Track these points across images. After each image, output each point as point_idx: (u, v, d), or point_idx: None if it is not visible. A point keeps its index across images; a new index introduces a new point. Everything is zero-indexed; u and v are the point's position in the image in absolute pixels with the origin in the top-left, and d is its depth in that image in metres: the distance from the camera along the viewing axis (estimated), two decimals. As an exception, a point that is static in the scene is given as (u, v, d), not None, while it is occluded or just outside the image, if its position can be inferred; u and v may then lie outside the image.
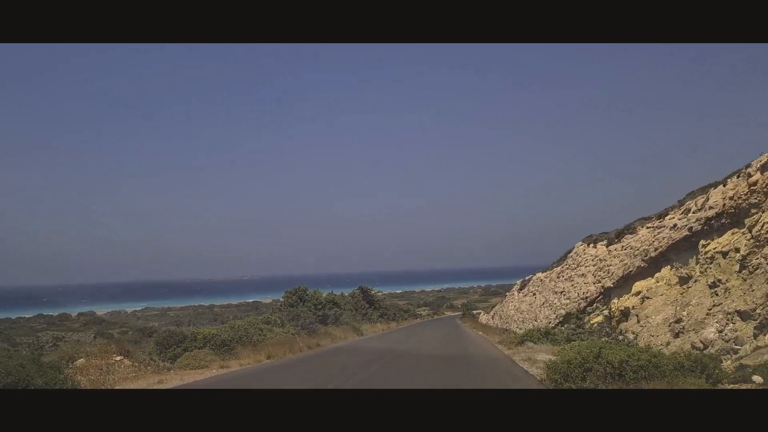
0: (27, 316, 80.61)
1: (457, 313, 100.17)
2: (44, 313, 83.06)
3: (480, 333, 27.69)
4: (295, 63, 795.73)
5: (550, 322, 23.94)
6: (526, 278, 36.76)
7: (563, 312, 22.06)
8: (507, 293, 42.38)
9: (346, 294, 33.36)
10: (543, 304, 27.02)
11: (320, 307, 23.12)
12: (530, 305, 30.47)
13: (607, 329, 11.48)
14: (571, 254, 25.24)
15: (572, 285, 22.21)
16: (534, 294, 30.67)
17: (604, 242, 21.49)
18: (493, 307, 52.03)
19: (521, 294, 34.90)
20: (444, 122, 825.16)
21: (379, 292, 36.71)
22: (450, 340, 22.10)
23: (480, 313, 75.63)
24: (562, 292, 23.57)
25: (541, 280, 30.89)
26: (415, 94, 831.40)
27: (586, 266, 21.62)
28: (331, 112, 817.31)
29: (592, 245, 22.67)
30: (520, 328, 30.87)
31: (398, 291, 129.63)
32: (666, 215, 17.22)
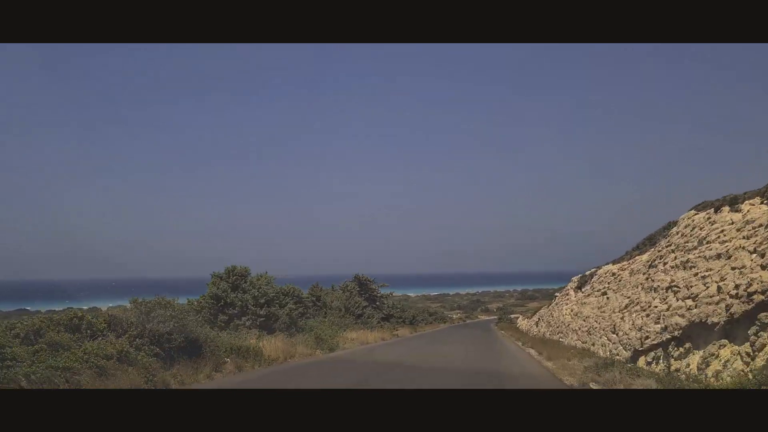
0: (57, 308, 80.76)
1: (492, 317, 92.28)
2: (74, 307, 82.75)
3: (532, 352, 18.24)
4: (300, 63, 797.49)
5: (647, 337, 14.50)
6: (586, 273, 26.99)
7: (682, 321, 12.61)
8: (557, 294, 32.67)
9: (338, 287, 24.42)
10: (626, 307, 17.53)
11: (263, 303, 14.29)
12: (599, 309, 20.94)
13: None
14: (677, 230, 15.69)
15: (696, 275, 12.74)
16: (605, 293, 21.13)
17: (757, 200, 12.02)
18: (536, 312, 42.30)
19: (581, 294, 25.33)
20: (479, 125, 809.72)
21: (383, 285, 27.52)
22: (481, 371, 12.98)
23: (518, 318, 66.39)
24: (669, 288, 14.10)
25: (614, 274, 21.34)
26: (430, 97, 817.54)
27: (724, 241, 12.12)
28: (346, 113, 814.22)
29: (727, 209, 13.13)
30: (585, 342, 21.37)
31: (433, 293, 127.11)
32: None
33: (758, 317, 9.22)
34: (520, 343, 25.71)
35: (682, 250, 14.45)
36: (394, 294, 31.52)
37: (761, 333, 9.11)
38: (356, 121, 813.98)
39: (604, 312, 20.19)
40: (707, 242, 13.10)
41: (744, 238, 11.36)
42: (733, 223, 12.32)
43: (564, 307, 27.57)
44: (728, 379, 9.78)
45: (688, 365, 11.95)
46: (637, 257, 19.60)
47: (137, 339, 8.36)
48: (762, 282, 9.63)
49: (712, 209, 14.10)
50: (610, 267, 22.54)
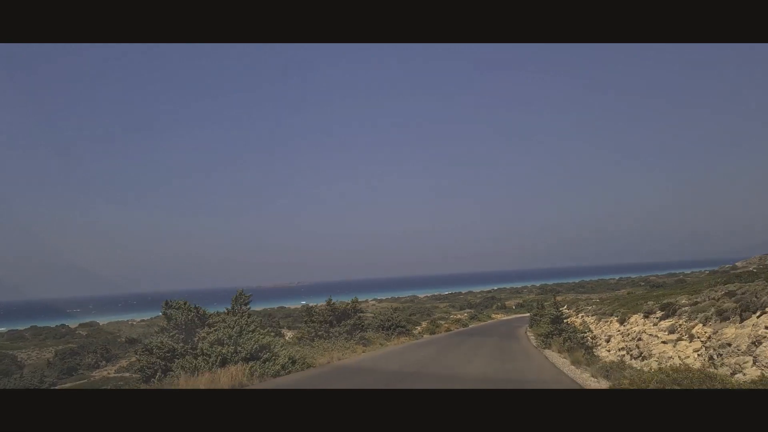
0: (20, 328, 76.12)
1: (514, 317, 65.95)
2: (39, 325, 76.35)
3: None
4: (310, 64, 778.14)
5: None
6: None
7: None
8: None
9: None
10: None
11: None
12: None
13: None
14: None
15: None
16: None
17: None
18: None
19: None
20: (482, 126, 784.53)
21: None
22: None
23: (570, 314, 40.40)
24: None
25: None
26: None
27: None
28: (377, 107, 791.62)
29: None
30: None
31: (444, 293, 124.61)
32: None
33: None
34: None
35: None
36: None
37: None
38: (372, 119, 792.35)
39: None
40: None
41: None
42: None
43: None
44: None
45: None
46: None
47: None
48: None
49: None
50: None
